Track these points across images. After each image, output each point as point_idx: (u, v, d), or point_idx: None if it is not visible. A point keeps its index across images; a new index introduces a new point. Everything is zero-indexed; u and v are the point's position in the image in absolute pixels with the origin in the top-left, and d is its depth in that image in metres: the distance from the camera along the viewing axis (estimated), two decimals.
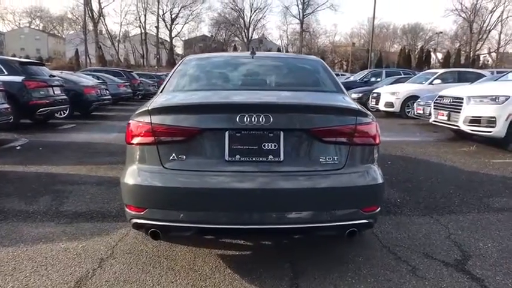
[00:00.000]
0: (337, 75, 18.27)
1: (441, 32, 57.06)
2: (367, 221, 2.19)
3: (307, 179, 2.12)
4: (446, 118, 7.14)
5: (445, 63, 50.63)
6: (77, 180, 4.29)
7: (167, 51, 60.51)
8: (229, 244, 2.69)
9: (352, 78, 20.16)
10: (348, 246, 2.70)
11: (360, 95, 14.18)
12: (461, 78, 11.65)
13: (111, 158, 5.43)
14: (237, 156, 2.12)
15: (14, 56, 31.20)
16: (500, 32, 54.88)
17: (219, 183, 2.09)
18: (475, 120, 6.36)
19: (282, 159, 2.12)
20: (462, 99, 6.67)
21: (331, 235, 2.53)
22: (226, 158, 2.11)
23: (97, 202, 3.57)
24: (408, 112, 11.54)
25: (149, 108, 2.22)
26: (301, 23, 57.04)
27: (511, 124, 6.02)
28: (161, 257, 2.52)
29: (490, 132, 6.20)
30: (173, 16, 57.92)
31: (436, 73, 12.35)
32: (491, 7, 53.33)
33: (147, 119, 2.17)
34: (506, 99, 6.04)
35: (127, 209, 2.21)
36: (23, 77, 7.81)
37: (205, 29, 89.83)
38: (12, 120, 6.66)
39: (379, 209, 2.26)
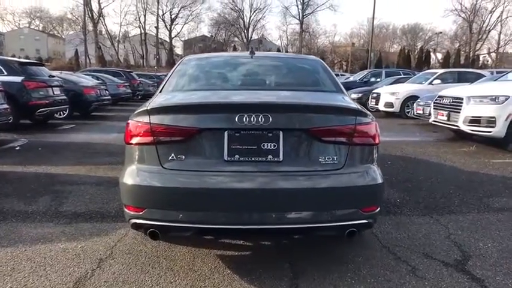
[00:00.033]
0: (337, 75, 18.23)
1: (441, 32, 57.08)
2: (366, 221, 2.19)
3: (306, 179, 2.11)
4: (446, 118, 7.14)
5: (444, 63, 50.63)
6: (76, 181, 4.28)
7: (167, 51, 60.50)
8: (229, 244, 2.69)
9: (351, 79, 20.17)
10: (348, 246, 2.69)
11: (360, 95, 14.17)
12: (461, 78, 11.66)
13: (110, 158, 5.42)
14: (236, 156, 2.11)
15: (13, 56, 31.19)
16: (500, 32, 55.00)
17: (218, 183, 2.08)
18: (475, 120, 6.36)
19: (281, 159, 2.12)
20: (462, 99, 6.66)
21: (330, 235, 2.52)
22: (226, 158, 2.11)
23: (96, 202, 3.56)
24: (408, 112, 11.54)
25: (148, 108, 2.21)
26: (301, 23, 57.02)
27: (510, 124, 6.02)
28: (160, 257, 2.51)
29: (489, 132, 6.20)
30: (173, 16, 57.98)
31: (436, 73, 12.35)
32: (491, 7, 53.46)
33: (146, 119, 2.17)
34: (506, 99, 6.04)
35: (126, 209, 2.20)
36: (23, 77, 7.80)
37: (204, 30, 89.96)
38: (11, 120, 6.65)
39: (378, 209, 2.26)
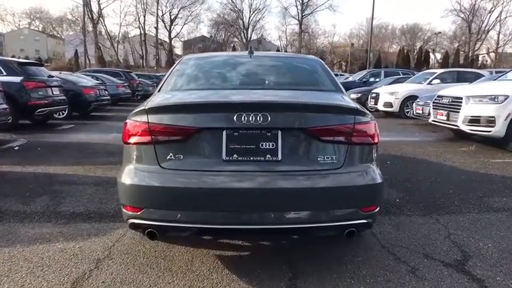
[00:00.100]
0: (336, 75, 18.19)
1: (440, 32, 57.11)
2: (366, 221, 2.18)
3: (305, 179, 2.10)
4: (445, 118, 7.13)
5: (443, 63, 50.59)
6: (74, 181, 4.27)
7: (166, 52, 60.43)
8: (227, 244, 2.68)
9: (351, 79, 20.18)
10: (347, 246, 2.68)
11: (359, 95, 14.17)
12: (460, 78, 11.67)
13: (109, 158, 5.41)
14: (235, 156, 2.10)
15: (13, 56, 31.15)
16: (499, 32, 54.89)
17: (216, 183, 2.07)
18: (475, 120, 6.35)
19: (280, 159, 2.11)
20: (461, 98, 6.66)
21: (329, 235, 2.51)
22: (224, 157, 2.09)
23: (94, 202, 3.55)
24: (407, 112, 11.54)
25: (146, 107, 2.20)
26: (300, 23, 56.96)
27: (510, 123, 6.01)
28: (158, 257, 2.50)
29: (489, 131, 6.19)
30: (172, 17, 57.90)
31: (435, 73, 12.35)
32: (490, 7, 53.32)
33: (144, 118, 2.15)
34: (506, 99, 6.03)
35: (124, 209, 2.19)
36: (22, 78, 7.79)
37: (204, 30, 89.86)
38: (10, 120, 6.65)
39: (378, 208, 2.25)
